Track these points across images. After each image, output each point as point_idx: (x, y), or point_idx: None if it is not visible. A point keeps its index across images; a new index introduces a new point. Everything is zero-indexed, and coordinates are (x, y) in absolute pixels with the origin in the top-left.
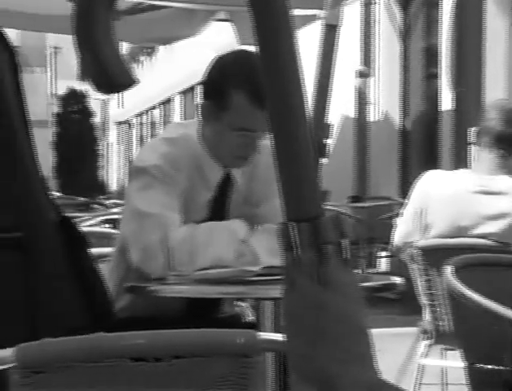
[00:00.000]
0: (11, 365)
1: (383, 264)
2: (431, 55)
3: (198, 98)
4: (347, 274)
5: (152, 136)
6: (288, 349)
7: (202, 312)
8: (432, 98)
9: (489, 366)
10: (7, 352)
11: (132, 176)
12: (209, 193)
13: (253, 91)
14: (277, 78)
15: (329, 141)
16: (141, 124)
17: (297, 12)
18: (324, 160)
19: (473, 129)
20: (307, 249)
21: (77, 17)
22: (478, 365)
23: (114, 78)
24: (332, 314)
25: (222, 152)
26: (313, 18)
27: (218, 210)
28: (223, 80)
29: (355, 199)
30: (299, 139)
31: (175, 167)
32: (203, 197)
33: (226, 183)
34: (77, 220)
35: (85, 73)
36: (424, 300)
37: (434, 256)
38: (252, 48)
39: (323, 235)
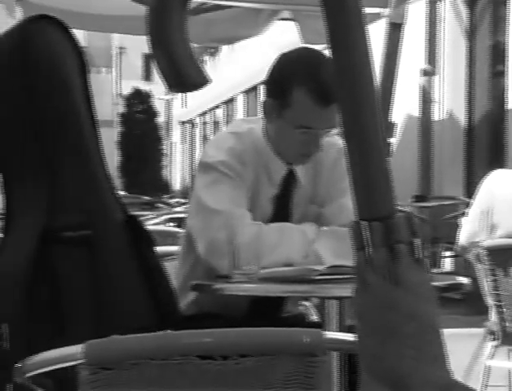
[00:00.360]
0: (80, 361)
1: (448, 264)
2: (498, 53)
3: (261, 96)
4: (419, 273)
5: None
6: (359, 348)
7: (266, 311)
8: (498, 96)
9: None
10: (76, 348)
11: (199, 172)
12: (273, 189)
13: (316, 89)
14: (349, 78)
15: (393, 140)
16: (204, 123)
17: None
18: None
19: None
20: (379, 248)
21: (151, 16)
22: None
23: (188, 78)
24: (403, 313)
25: (285, 149)
26: (377, 16)
27: (282, 207)
28: (285, 78)
29: (420, 198)
30: (371, 138)
31: (241, 162)
32: (267, 193)
33: (289, 180)
34: (141, 219)
35: (158, 73)
36: (490, 300)
37: (501, 256)
38: (315, 47)
39: (395, 234)
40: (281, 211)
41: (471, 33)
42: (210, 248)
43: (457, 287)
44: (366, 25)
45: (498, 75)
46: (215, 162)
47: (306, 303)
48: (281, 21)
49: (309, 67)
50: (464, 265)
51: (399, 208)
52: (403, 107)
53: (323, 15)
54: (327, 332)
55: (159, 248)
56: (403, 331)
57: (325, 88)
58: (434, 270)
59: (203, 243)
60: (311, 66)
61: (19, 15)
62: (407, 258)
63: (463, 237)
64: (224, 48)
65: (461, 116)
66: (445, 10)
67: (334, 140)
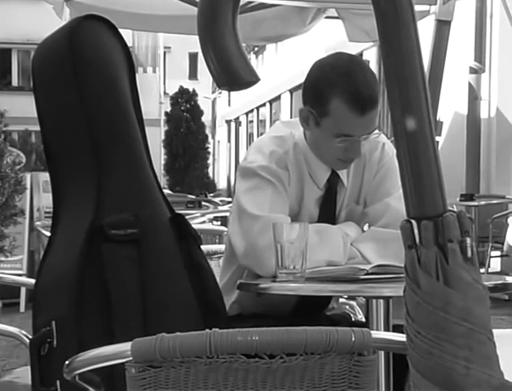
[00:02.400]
0: (127, 359)
1: (496, 263)
2: None
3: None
4: (471, 272)
5: (260, 134)
6: (409, 347)
7: (311, 310)
8: None
9: None
10: (124, 346)
11: (240, 177)
12: (318, 192)
13: (353, 97)
14: (400, 76)
15: (440, 138)
16: (249, 122)
17: None
18: None
19: None
20: (430, 247)
21: (202, 15)
22: None
23: (238, 76)
24: (455, 313)
25: (324, 155)
26: (425, 13)
27: (328, 209)
28: (322, 86)
29: (468, 197)
30: (423, 138)
31: (283, 166)
32: (312, 195)
33: (334, 182)
34: (187, 217)
35: (210, 71)
36: None
37: None
38: (361, 45)
39: (446, 233)
40: (327, 212)
41: None
42: (250, 253)
43: (505, 287)
44: (417, 22)
45: None
46: (256, 167)
47: (351, 302)
48: (327, 19)
49: (345, 75)
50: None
51: (450, 207)
52: (451, 105)
53: (374, 11)
54: (374, 331)
55: (204, 247)
56: (456, 331)
57: (363, 96)
58: (482, 270)
59: (243, 248)
60: (348, 74)
61: (67, 15)
62: (458, 257)
63: None
64: (270, 46)
65: (510, 114)
66: (494, 6)
67: (378, 139)
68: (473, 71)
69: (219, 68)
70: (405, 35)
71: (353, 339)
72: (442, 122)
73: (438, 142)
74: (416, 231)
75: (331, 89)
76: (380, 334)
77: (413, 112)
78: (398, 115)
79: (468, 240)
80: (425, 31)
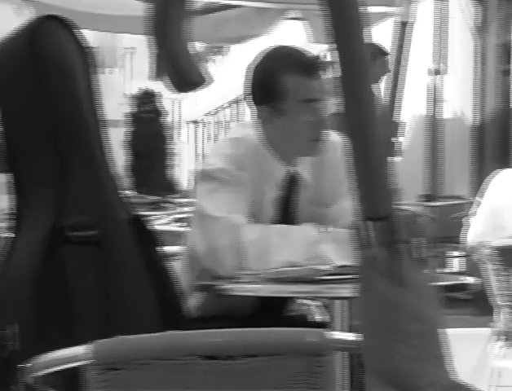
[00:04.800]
0: (87, 361)
1: (456, 264)
2: (507, 52)
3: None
4: (421, 273)
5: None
6: (363, 348)
7: (271, 311)
8: (507, 95)
9: None
10: (84, 348)
11: (200, 180)
12: (275, 192)
13: (301, 65)
14: (350, 77)
15: (401, 139)
16: (213, 123)
17: (370, 9)
18: (396, 159)
19: None
20: (382, 248)
21: (153, 16)
22: None
23: (188, 77)
24: (407, 313)
25: (294, 143)
26: (386, 15)
27: (286, 210)
28: (270, 77)
29: (428, 197)
30: (373, 140)
31: (241, 167)
32: (269, 196)
33: (292, 182)
34: (148, 218)
35: (160, 72)
36: (499, 300)
37: (510, 256)
38: (324, 47)
39: (397, 234)
40: (285, 213)
41: (480, 32)
42: (211, 255)
43: (463, 287)
44: (365, 24)
45: (507, 73)
46: (214, 170)
47: (311, 303)
48: (290, 21)
49: (286, 54)
50: (472, 265)
51: (404, 207)
52: (412, 106)
53: (324, 14)
54: (332, 332)
55: (166, 248)
56: (408, 331)
57: (309, 60)
58: (442, 270)
59: (203, 250)
60: (287, 53)
61: (28, 14)
62: (410, 258)
63: (471, 237)
64: (233, 47)
65: (470, 115)
66: (454, 9)
67: (336, 140)
68: (433, 72)
69: (170, 69)
70: (351, 33)
71: (311, 340)
72: (403, 123)
73: (400, 142)
74: (368, 232)
75: (280, 73)
76: (338, 335)
77: (363, 113)
78: (349, 116)
79: (420, 241)
80: (387, 32)
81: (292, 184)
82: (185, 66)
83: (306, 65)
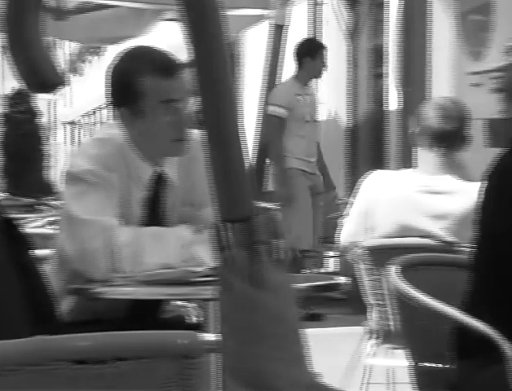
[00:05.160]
0: None
1: (331, 264)
2: (378, 55)
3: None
4: (280, 274)
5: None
6: (222, 348)
7: (146, 313)
8: (379, 97)
9: (433, 365)
10: None
11: (67, 183)
12: (142, 192)
13: (159, 65)
14: (209, 80)
15: None
16: (89, 123)
17: (244, 12)
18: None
19: (413, 129)
20: (241, 249)
21: (7, 18)
22: (422, 364)
23: (44, 78)
24: (266, 313)
25: (157, 144)
26: (261, 18)
27: (154, 210)
28: (127, 78)
29: None
30: (232, 142)
31: (108, 168)
32: (137, 196)
33: (159, 183)
34: (22, 221)
35: (18, 73)
36: (371, 299)
37: (381, 256)
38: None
39: (256, 235)
40: (153, 214)
41: (353, 35)
42: (81, 258)
43: (335, 286)
44: (224, 23)
45: (379, 76)
46: (81, 171)
47: (187, 304)
48: (166, 22)
49: (142, 54)
50: (347, 265)
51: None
52: None
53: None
54: (204, 334)
55: (39, 251)
56: (268, 332)
57: (167, 60)
58: (318, 270)
59: (73, 253)
60: (143, 53)
61: None
62: (268, 259)
63: (344, 237)
64: (110, 48)
65: (344, 117)
66: (327, 12)
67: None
68: None
69: (25, 70)
70: (210, 31)
71: (181, 342)
72: None
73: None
74: (227, 233)
75: (137, 74)
76: (211, 336)
77: (222, 117)
78: (207, 119)
79: (279, 242)
80: (262, 35)
81: (159, 184)
82: (42, 67)
83: (165, 65)
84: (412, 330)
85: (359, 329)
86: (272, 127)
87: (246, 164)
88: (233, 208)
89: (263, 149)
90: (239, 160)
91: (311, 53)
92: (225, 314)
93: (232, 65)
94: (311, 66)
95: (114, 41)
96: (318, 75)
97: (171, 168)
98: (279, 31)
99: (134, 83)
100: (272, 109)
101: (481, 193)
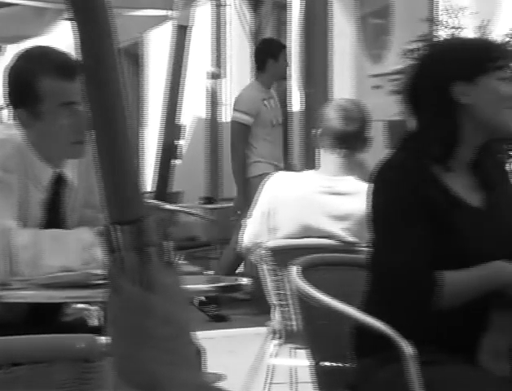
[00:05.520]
0: None
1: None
2: None
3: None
4: (170, 276)
5: None
6: (111, 352)
7: (46, 317)
8: (283, 98)
9: (333, 364)
10: None
11: None
12: (41, 194)
13: (58, 67)
14: (97, 81)
15: (182, 142)
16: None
17: (148, 12)
18: (177, 162)
19: (315, 130)
20: (130, 251)
21: None
22: (323, 363)
23: None
24: (156, 316)
25: (55, 147)
26: (164, 18)
27: (53, 212)
28: (25, 80)
29: (208, 200)
30: (121, 143)
31: (7, 169)
32: (36, 198)
33: (58, 184)
34: None
35: None
36: (274, 300)
37: (282, 256)
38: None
39: (145, 238)
40: (53, 216)
41: (256, 37)
42: None
43: (237, 287)
44: (112, 24)
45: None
46: None
47: (89, 307)
48: (68, 21)
49: (41, 56)
50: (251, 266)
51: (186, 209)
52: (192, 109)
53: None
54: (102, 337)
55: None
56: (158, 334)
57: (68, 62)
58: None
59: None
60: (43, 54)
61: None
62: (157, 262)
63: (246, 238)
64: (10, 47)
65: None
66: (231, 14)
67: None
68: (212, 76)
69: None
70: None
71: (79, 345)
72: (183, 126)
73: (181, 145)
74: (117, 235)
75: (35, 75)
76: (109, 339)
77: (111, 118)
78: (95, 120)
79: (167, 244)
80: (165, 36)
81: (59, 186)
82: None
83: (63, 67)
84: (313, 330)
85: (263, 329)
86: (236, 134)
87: (136, 165)
88: (122, 209)
89: (167, 150)
90: (128, 161)
91: (273, 54)
92: (114, 316)
93: (122, 66)
94: (274, 68)
95: (14, 40)
96: (283, 76)
97: (71, 169)
98: (182, 32)
99: (33, 84)
100: (237, 115)
101: (369, 192)
